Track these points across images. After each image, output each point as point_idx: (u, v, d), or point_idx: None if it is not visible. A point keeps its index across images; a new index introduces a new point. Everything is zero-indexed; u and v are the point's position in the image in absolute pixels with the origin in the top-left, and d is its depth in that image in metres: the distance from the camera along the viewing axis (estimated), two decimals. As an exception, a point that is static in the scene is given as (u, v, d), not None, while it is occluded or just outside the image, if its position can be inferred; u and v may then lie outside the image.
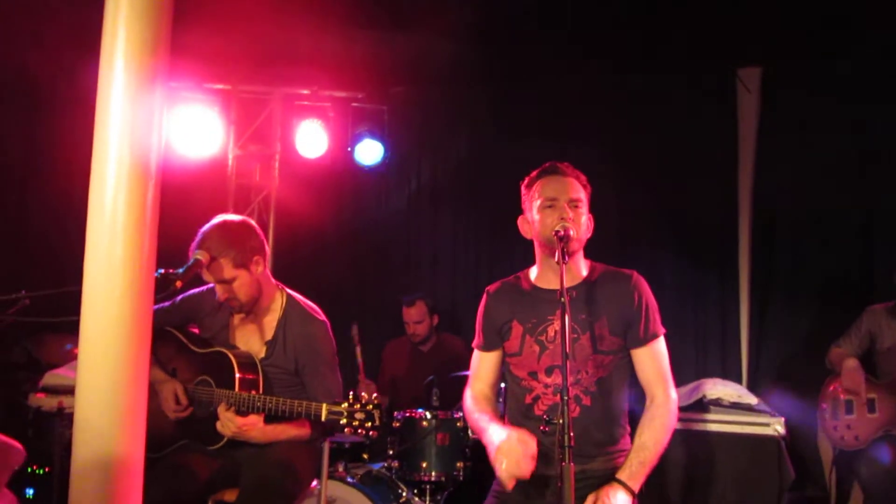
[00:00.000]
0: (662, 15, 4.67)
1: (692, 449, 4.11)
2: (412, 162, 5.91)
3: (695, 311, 5.24)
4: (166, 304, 3.09)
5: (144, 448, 2.07)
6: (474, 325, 2.77)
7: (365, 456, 4.39)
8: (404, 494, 3.88)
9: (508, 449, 2.31)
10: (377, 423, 2.57)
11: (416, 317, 5.07)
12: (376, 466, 4.05)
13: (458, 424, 4.01)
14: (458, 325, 5.52)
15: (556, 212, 2.49)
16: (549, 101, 5.55)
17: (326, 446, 3.14)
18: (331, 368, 3.03)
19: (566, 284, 2.23)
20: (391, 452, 4.05)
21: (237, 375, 2.88)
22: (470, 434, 4.01)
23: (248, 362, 2.95)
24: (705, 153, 5.28)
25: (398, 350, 5.27)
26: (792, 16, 4.60)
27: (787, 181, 5.10)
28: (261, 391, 2.90)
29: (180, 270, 2.71)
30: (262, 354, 3.01)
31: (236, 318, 3.10)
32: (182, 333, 3.16)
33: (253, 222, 3.09)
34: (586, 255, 2.67)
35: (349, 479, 3.71)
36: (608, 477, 2.41)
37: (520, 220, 2.67)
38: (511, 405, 2.67)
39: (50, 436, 4.13)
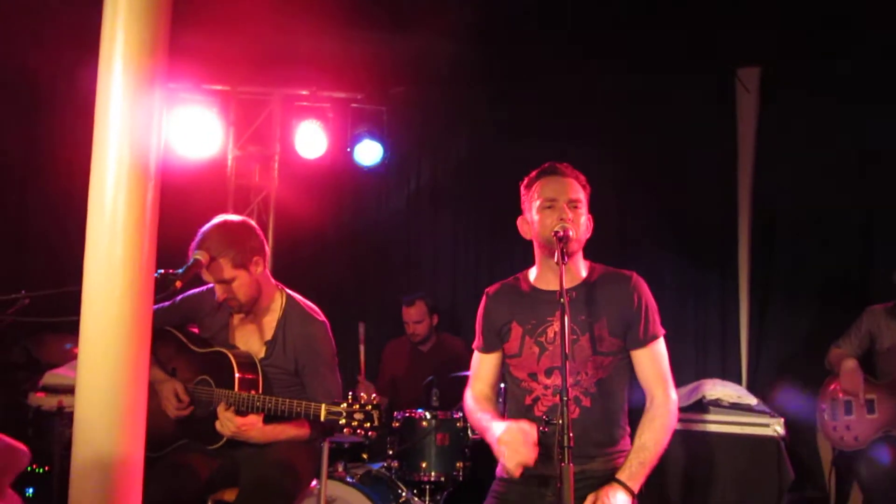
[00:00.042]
0: (662, 15, 4.67)
1: (692, 449, 4.12)
2: (412, 162, 5.91)
3: (695, 311, 5.25)
4: (166, 303, 3.09)
5: (144, 447, 2.07)
6: (474, 326, 2.77)
7: (364, 456, 4.39)
8: (404, 494, 3.88)
9: (509, 439, 2.31)
10: (376, 423, 2.57)
11: (415, 316, 5.07)
12: (376, 466, 4.05)
13: (458, 425, 4.01)
14: (458, 325, 5.52)
15: (556, 212, 2.49)
16: (549, 101, 5.55)
17: (326, 446, 3.14)
18: (330, 369, 3.04)
19: (565, 285, 2.23)
20: (391, 452, 4.05)
21: (237, 375, 2.88)
22: (470, 434, 4.01)
23: (247, 362, 2.96)
24: (705, 153, 5.28)
25: (398, 350, 5.27)
26: (791, 16, 4.60)
27: (786, 181, 5.11)
28: (260, 391, 2.91)
29: (180, 270, 2.71)
30: (262, 354, 3.02)
31: (236, 318, 3.10)
32: (182, 333, 3.17)
33: (253, 223, 3.10)
34: (586, 256, 2.67)
35: (349, 479, 3.71)
36: (608, 477, 2.41)
37: (519, 221, 2.67)
38: (511, 406, 2.67)
39: (50, 435, 4.13)
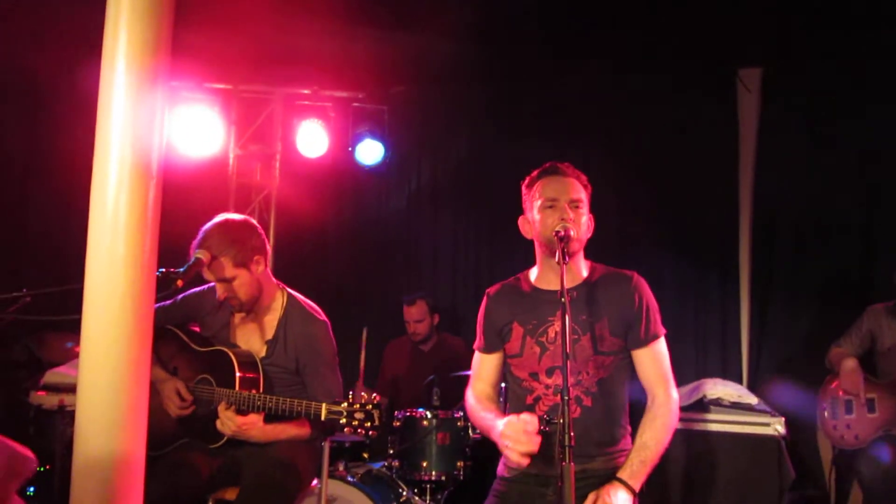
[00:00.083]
0: (662, 15, 4.67)
1: (692, 449, 4.12)
2: (412, 162, 5.92)
3: (695, 310, 5.25)
4: (167, 302, 3.09)
5: (145, 446, 2.08)
6: (474, 325, 2.77)
7: (365, 455, 4.40)
8: (404, 494, 3.89)
9: (511, 431, 2.32)
10: (377, 422, 2.57)
11: (416, 315, 5.07)
12: (377, 466, 4.05)
13: (459, 424, 4.02)
14: (459, 324, 5.53)
15: (557, 212, 2.49)
16: (549, 101, 5.56)
17: (327, 445, 3.15)
18: (331, 368, 3.04)
19: (566, 285, 2.23)
20: (391, 452, 4.05)
21: (237, 374, 2.88)
22: (470, 433, 4.02)
23: (248, 361, 2.96)
24: (705, 153, 5.28)
25: (399, 349, 5.27)
26: (792, 16, 4.61)
27: (787, 181, 5.11)
28: (261, 390, 2.91)
29: (181, 269, 2.71)
30: (263, 353, 3.02)
31: (237, 317, 3.11)
32: (183, 332, 3.17)
33: (254, 221, 3.10)
34: (586, 256, 2.67)
35: (349, 479, 3.72)
36: (609, 476, 2.41)
37: (520, 220, 2.67)
38: (512, 406, 2.67)
39: (51, 434, 4.14)
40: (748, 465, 4.05)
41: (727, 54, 5.21)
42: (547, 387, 2.54)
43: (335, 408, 2.62)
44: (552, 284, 2.56)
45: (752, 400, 4.24)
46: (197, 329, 3.21)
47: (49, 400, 4.18)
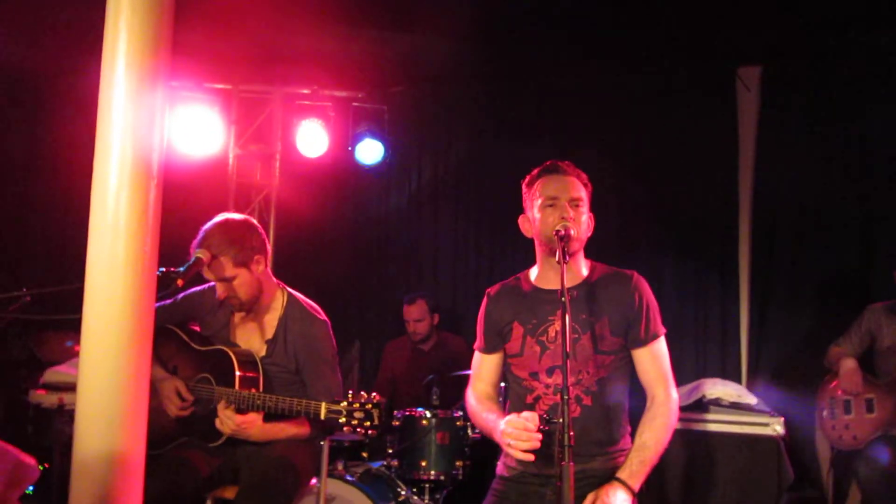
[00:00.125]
0: (662, 14, 4.67)
1: (691, 449, 4.12)
2: (412, 161, 5.92)
3: (695, 310, 5.25)
4: (167, 301, 3.09)
5: (145, 445, 2.08)
6: (475, 325, 2.77)
7: (364, 454, 4.39)
8: (403, 493, 3.89)
9: (512, 429, 2.32)
10: (376, 421, 2.57)
11: (416, 315, 5.08)
12: (376, 465, 4.05)
13: (458, 424, 4.02)
14: (459, 324, 5.53)
15: (557, 211, 2.49)
16: (549, 101, 5.56)
17: (326, 445, 3.15)
18: (331, 367, 3.04)
19: (567, 284, 2.23)
20: (391, 451, 4.05)
21: (237, 373, 2.89)
22: (470, 433, 4.02)
23: (248, 360, 2.96)
24: (705, 153, 5.28)
25: (398, 349, 5.27)
26: (792, 15, 4.61)
27: (786, 180, 5.11)
28: (261, 389, 2.91)
29: (181, 269, 2.72)
30: (263, 353, 3.02)
31: (237, 317, 3.11)
32: (183, 331, 3.17)
33: (254, 221, 3.10)
34: (586, 255, 2.67)
35: (348, 478, 3.72)
36: (608, 476, 2.41)
37: (520, 219, 2.67)
38: (512, 405, 2.67)
39: (50, 432, 4.14)
40: (747, 464, 4.05)
41: (727, 53, 5.21)
42: (547, 386, 2.54)
43: (334, 407, 2.62)
44: (552, 284, 2.56)
45: (752, 400, 4.25)
46: (197, 328, 3.21)
47: (48, 399, 4.18)
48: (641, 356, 2.56)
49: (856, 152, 4.98)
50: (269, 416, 2.86)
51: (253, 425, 2.83)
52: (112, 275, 2.00)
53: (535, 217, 2.57)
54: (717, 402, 4.21)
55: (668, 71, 5.31)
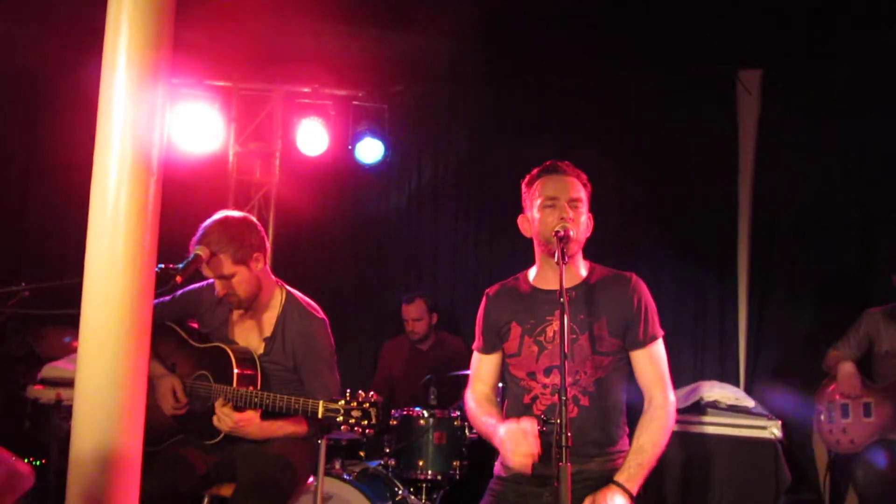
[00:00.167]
0: (663, 16, 4.67)
1: (689, 451, 4.12)
2: (412, 160, 5.91)
3: (693, 312, 5.25)
4: (166, 298, 3.09)
5: (143, 441, 2.08)
6: (473, 325, 2.77)
7: (362, 453, 4.40)
8: (400, 492, 3.89)
9: (511, 437, 2.32)
10: (374, 420, 2.58)
11: (415, 314, 5.07)
12: (373, 464, 4.05)
13: (456, 423, 4.02)
14: (458, 323, 5.53)
15: (557, 211, 2.49)
16: (549, 101, 5.56)
17: (323, 443, 3.15)
18: (329, 366, 3.04)
19: (565, 285, 2.23)
20: (388, 450, 4.06)
21: (235, 371, 2.89)
22: (467, 433, 4.02)
23: (246, 358, 2.96)
24: (705, 154, 5.29)
25: (397, 349, 5.27)
26: (792, 17, 4.61)
27: (786, 182, 5.12)
28: (258, 387, 2.91)
29: (180, 265, 2.72)
30: (261, 351, 3.02)
31: (235, 314, 3.11)
32: (181, 328, 3.17)
33: (254, 219, 3.10)
34: (585, 257, 2.67)
35: (345, 476, 3.71)
36: (606, 478, 2.41)
37: (520, 219, 2.67)
38: (510, 405, 2.68)
39: (47, 428, 4.13)
40: (744, 467, 4.06)
41: (727, 56, 5.22)
42: (544, 386, 2.54)
43: (332, 405, 2.62)
44: (551, 284, 2.56)
45: (749, 403, 4.25)
46: (195, 325, 3.21)
47: (46, 394, 4.18)
48: (639, 358, 2.56)
49: (856, 154, 4.99)
50: (267, 414, 2.86)
51: (250, 423, 2.83)
52: (111, 270, 2.00)
53: (534, 217, 2.57)
54: (714, 405, 4.21)
55: (669, 72, 5.31)
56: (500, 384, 2.79)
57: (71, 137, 4.13)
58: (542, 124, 5.52)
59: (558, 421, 2.07)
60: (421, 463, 3.96)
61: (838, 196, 4.96)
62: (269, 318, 3.06)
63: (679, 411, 3.88)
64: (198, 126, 5.05)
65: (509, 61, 5.40)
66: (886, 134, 4.82)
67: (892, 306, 4.14)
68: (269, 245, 3.14)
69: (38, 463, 4.23)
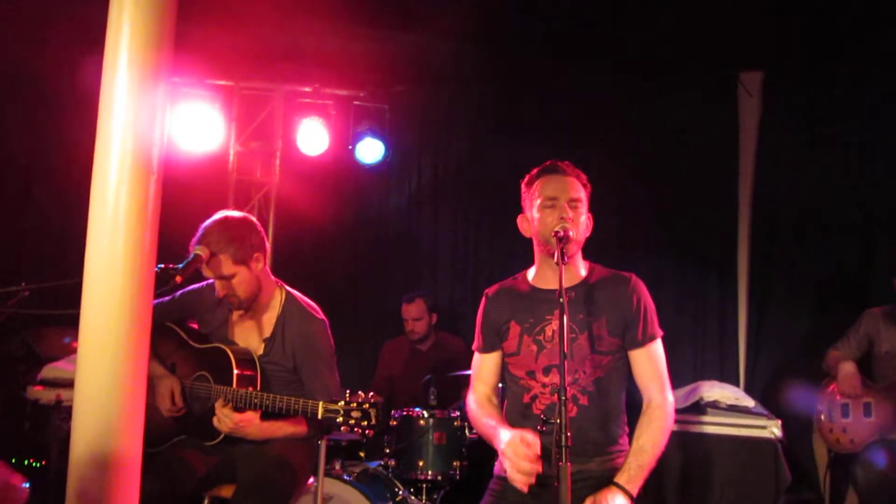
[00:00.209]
0: (663, 16, 4.67)
1: (689, 451, 4.12)
2: (412, 160, 5.91)
3: (693, 312, 5.26)
4: (166, 298, 3.09)
5: (142, 443, 2.08)
6: (473, 325, 2.77)
7: (362, 454, 4.40)
8: (400, 493, 3.89)
9: (512, 452, 2.31)
10: (373, 421, 2.57)
11: (415, 313, 5.07)
12: (373, 464, 4.06)
13: (456, 424, 4.02)
14: (457, 324, 5.53)
15: (556, 211, 2.49)
16: (549, 102, 5.56)
17: (323, 444, 3.15)
18: (329, 366, 3.04)
19: (565, 284, 2.23)
20: (388, 451, 4.05)
21: (235, 372, 2.88)
22: (467, 433, 4.02)
23: (246, 359, 2.96)
24: (706, 155, 5.29)
25: (396, 349, 5.27)
26: (793, 19, 4.61)
27: (787, 184, 5.12)
28: (258, 388, 2.91)
29: (180, 265, 2.71)
30: (261, 351, 3.02)
31: (235, 315, 3.10)
32: (181, 329, 3.17)
33: (254, 219, 3.09)
34: (585, 257, 2.67)
35: (346, 477, 3.71)
36: (606, 477, 2.41)
37: (519, 219, 2.67)
38: (509, 404, 2.68)
39: (47, 429, 4.13)
40: (745, 467, 4.05)
41: (728, 57, 5.22)
42: (544, 385, 2.54)
43: (332, 406, 2.62)
44: (550, 283, 2.57)
45: (749, 402, 4.25)
46: (195, 326, 3.21)
47: (46, 395, 4.17)
48: (638, 357, 2.56)
49: (856, 155, 4.99)
50: (267, 415, 2.85)
51: (250, 424, 2.83)
52: (111, 270, 2.00)
53: (533, 217, 2.57)
54: (714, 405, 4.21)
55: (669, 73, 5.31)
56: (500, 384, 2.79)
57: (71, 137, 4.14)
58: (542, 124, 5.52)
59: (558, 421, 2.07)
60: (421, 463, 3.96)
61: (838, 197, 4.97)
62: (269, 318, 3.05)
63: (679, 411, 3.89)
64: (198, 125, 5.05)
65: (509, 61, 5.40)
66: (886, 134, 4.82)
67: (892, 307, 4.15)
68: (269, 245, 3.13)
69: (37, 464, 4.22)
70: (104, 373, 2.00)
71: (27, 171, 5.39)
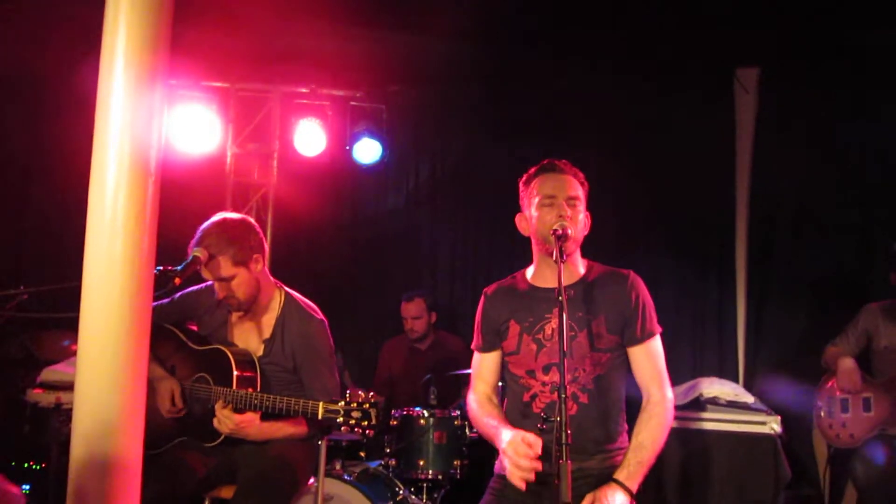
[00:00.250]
0: (661, 15, 4.67)
1: (689, 448, 4.12)
2: (410, 160, 5.91)
3: (692, 309, 5.26)
4: (165, 300, 3.09)
5: (143, 445, 2.08)
6: (472, 324, 2.78)
7: (362, 454, 4.40)
8: (401, 492, 3.89)
9: (513, 451, 2.32)
10: (373, 421, 2.57)
11: (414, 312, 5.07)
12: (373, 464, 4.06)
13: (456, 423, 4.02)
14: (456, 323, 5.53)
15: (555, 209, 2.50)
16: (547, 101, 5.55)
17: (324, 444, 3.15)
18: (328, 367, 3.04)
19: (563, 283, 2.23)
20: (388, 450, 4.06)
21: (235, 373, 2.88)
22: (467, 432, 4.02)
23: (245, 360, 2.96)
24: (703, 153, 5.28)
25: (396, 349, 5.27)
26: (790, 16, 4.61)
27: (784, 181, 5.12)
28: (258, 389, 2.91)
29: (179, 267, 2.72)
30: (260, 352, 3.02)
31: (234, 316, 3.11)
32: (180, 331, 3.17)
33: (252, 221, 3.10)
34: (583, 255, 2.68)
35: (346, 477, 3.72)
36: (606, 475, 2.42)
37: (518, 218, 2.68)
38: (509, 403, 2.68)
39: (47, 431, 4.13)
40: (744, 463, 4.06)
41: (725, 54, 5.22)
42: (543, 384, 2.54)
43: (332, 406, 2.62)
44: (549, 282, 2.57)
45: (749, 399, 4.25)
46: (194, 328, 3.21)
47: (45, 398, 4.17)
48: (637, 354, 2.56)
49: (854, 153, 4.99)
50: (267, 416, 2.86)
51: (251, 425, 2.83)
52: (110, 273, 2.00)
53: (532, 215, 2.57)
54: (714, 401, 4.21)
55: (666, 71, 5.31)
56: (500, 383, 2.79)
57: (71, 138, 4.12)
58: (539, 123, 5.52)
59: (558, 419, 2.07)
60: (421, 463, 3.96)
61: (836, 194, 4.97)
62: (269, 319, 3.06)
63: (678, 408, 3.90)
64: (195, 127, 5.04)
65: (508, 61, 5.40)
66: (885, 133, 4.82)
67: (891, 302, 4.15)
68: (267, 246, 3.14)
69: (37, 467, 4.23)
70: (104, 375, 2.00)
71: (26, 172, 5.39)
